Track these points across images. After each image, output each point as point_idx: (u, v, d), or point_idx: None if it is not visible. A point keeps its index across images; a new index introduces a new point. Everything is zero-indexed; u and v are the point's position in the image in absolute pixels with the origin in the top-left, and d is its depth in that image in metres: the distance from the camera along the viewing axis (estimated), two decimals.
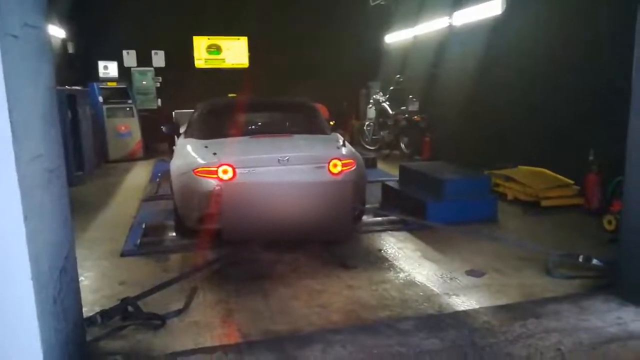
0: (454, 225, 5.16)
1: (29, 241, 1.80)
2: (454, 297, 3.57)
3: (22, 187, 1.80)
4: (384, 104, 10.98)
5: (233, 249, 4.59)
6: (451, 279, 3.93)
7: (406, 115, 10.09)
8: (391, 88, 10.99)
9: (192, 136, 5.29)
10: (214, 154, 4.55)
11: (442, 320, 3.13)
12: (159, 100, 12.16)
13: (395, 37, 11.81)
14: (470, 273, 4.02)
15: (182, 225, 4.85)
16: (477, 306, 3.39)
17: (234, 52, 12.50)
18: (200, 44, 12.24)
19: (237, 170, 4.44)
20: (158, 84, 12.11)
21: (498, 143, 7.88)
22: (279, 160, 4.50)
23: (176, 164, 4.95)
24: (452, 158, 8.78)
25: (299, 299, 3.61)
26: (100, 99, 10.26)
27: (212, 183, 4.42)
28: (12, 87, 1.77)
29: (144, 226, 5.39)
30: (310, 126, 5.51)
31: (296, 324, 3.21)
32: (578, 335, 2.89)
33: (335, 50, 12.44)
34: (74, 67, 10.75)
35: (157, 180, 8.13)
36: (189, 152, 4.91)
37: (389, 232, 5.20)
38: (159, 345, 2.95)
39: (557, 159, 6.59)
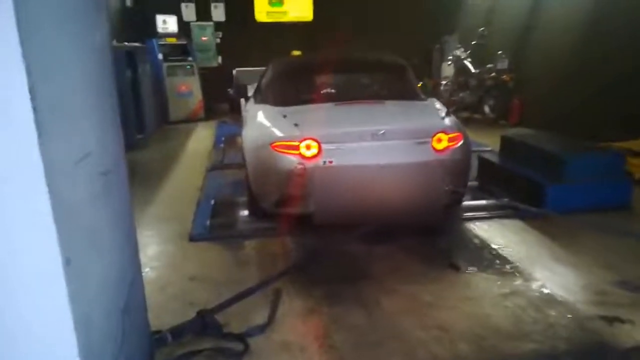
0: (578, 214, 4.28)
1: (71, 299, 1.14)
2: (618, 324, 2.72)
3: (58, 209, 1.12)
4: (465, 60, 9.80)
5: (317, 239, 3.92)
6: (600, 293, 3.07)
7: (493, 74, 8.91)
8: (473, 43, 9.75)
9: (265, 102, 4.57)
10: (295, 125, 3.81)
11: None
12: (220, 57, 11.50)
13: None
14: (623, 285, 3.13)
15: (256, 205, 4.20)
16: None
17: (297, 4, 11.55)
18: None
19: (323, 146, 3.69)
20: (218, 40, 11.42)
21: (610, 109, 6.68)
22: (372, 134, 3.71)
23: (250, 135, 4.26)
24: (548, 125, 7.66)
25: (409, 314, 2.88)
26: (160, 56, 9.71)
27: (293, 160, 3.70)
28: (43, 48, 1.08)
29: (212, 202, 4.80)
30: (402, 90, 4.64)
31: (414, 355, 2.50)
32: None
33: (408, 1, 11.26)
34: (131, 22, 10.20)
35: (222, 145, 7.57)
36: (264, 121, 4.20)
37: (497, 219, 4.35)
38: None
39: None
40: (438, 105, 4.40)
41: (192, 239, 4.05)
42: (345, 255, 3.70)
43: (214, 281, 3.32)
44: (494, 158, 5.41)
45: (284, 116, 4.00)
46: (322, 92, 4.51)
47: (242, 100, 6.15)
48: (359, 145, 3.70)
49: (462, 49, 9.99)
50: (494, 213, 4.46)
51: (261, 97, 4.79)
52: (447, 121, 4.01)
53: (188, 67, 10.08)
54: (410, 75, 4.80)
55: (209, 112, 10.59)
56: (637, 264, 3.43)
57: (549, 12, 8.14)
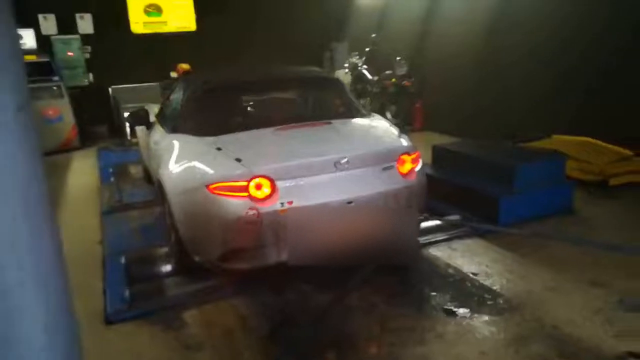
0: (530, 223, 4.14)
1: None
2: None
3: None
4: (362, 67, 9.63)
5: (274, 296, 3.23)
6: (610, 320, 2.80)
7: (393, 80, 8.81)
8: (367, 49, 9.63)
9: (183, 130, 3.73)
10: (237, 160, 3.07)
11: None
12: (90, 74, 10.05)
13: None
14: (626, 306, 2.91)
15: (188, 260, 3.37)
16: None
17: (178, 13, 10.53)
18: (136, 3, 10.13)
19: (278, 184, 3.02)
20: (87, 55, 9.96)
21: (516, 108, 6.84)
22: (335, 163, 3.11)
23: (174, 175, 3.41)
24: (452, 127, 7.75)
25: None
26: None
27: (241, 204, 2.97)
28: None
29: (123, 260, 3.82)
30: (343, 107, 4.12)
31: None
32: None
33: (294, 9, 10.90)
34: None
35: (112, 180, 6.40)
36: (190, 156, 3.39)
37: (457, 240, 4.01)
38: None
39: (600, 124, 5.65)
40: (386, 121, 3.96)
41: (110, 320, 3.09)
42: (319, 311, 3.04)
43: None
44: (429, 170, 5.12)
45: (218, 149, 3.24)
46: (254, 115, 3.81)
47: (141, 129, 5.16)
48: (321, 179, 3.09)
49: (358, 56, 9.81)
50: (451, 233, 4.12)
51: (175, 124, 3.93)
52: (405, 139, 3.57)
53: (55, 87, 8.57)
54: (346, 90, 4.29)
55: (84, 137, 9.15)
56: (619, 275, 3.27)
57: (444, 17, 8.24)
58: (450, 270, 3.50)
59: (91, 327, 3.03)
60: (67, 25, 9.59)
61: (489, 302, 3.06)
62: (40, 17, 9.31)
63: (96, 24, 9.80)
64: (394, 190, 3.22)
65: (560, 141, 5.69)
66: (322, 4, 11.15)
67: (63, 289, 1.32)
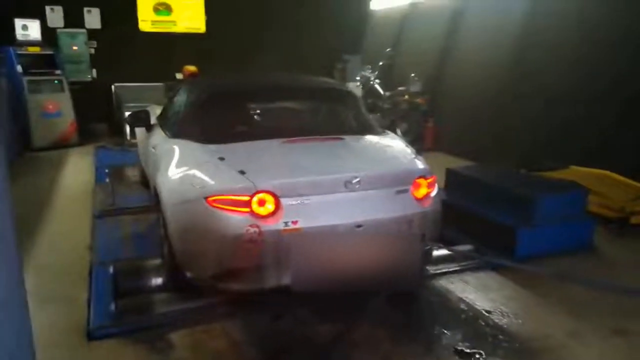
0: (549, 259, 3.87)
1: None
2: None
3: None
4: (374, 82, 9.41)
5: (268, 322, 2.97)
6: None
7: (406, 97, 8.59)
8: (380, 63, 9.43)
9: (186, 136, 3.49)
10: (241, 172, 2.83)
11: None
12: (94, 70, 9.83)
13: (385, 3, 10.19)
14: None
15: (180, 276, 3.11)
16: None
17: (188, 13, 10.33)
18: (146, 1, 9.94)
19: (282, 201, 2.77)
20: (92, 50, 9.75)
21: (531, 137, 6.61)
22: (345, 183, 2.86)
23: (171, 183, 3.16)
24: (463, 150, 7.52)
25: None
26: (19, 68, 7.91)
27: (242, 221, 2.73)
28: None
29: (111, 270, 3.55)
30: (357, 122, 3.88)
31: None
32: None
33: (308, 17, 10.71)
34: None
35: (107, 181, 6.14)
36: (190, 164, 3.14)
37: (469, 272, 3.75)
38: None
39: (618, 158, 5.41)
40: (401, 140, 3.72)
41: (93, 335, 2.82)
42: (319, 345, 2.78)
43: None
44: (443, 196, 4.87)
45: (221, 159, 2.99)
46: (260, 125, 3.57)
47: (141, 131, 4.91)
48: (329, 198, 2.84)
49: (370, 70, 9.61)
50: (464, 265, 3.85)
51: (177, 129, 3.68)
52: (421, 162, 3.32)
53: (56, 81, 8.35)
54: (361, 104, 4.05)
55: (84, 134, 8.90)
56: None
57: (464, 40, 8.03)
58: (463, 306, 3.23)
59: (72, 341, 2.77)
60: (74, 19, 9.39)
61: (504, 345, 2.80)
62: (48, 8, 9.11)
63: (104, 19, 9.60)
64: (407, 216, 2.98)
65: (577, 173, 5.44)
66: (336, 13, 10.96)
67: (19, 294, 1.27)
